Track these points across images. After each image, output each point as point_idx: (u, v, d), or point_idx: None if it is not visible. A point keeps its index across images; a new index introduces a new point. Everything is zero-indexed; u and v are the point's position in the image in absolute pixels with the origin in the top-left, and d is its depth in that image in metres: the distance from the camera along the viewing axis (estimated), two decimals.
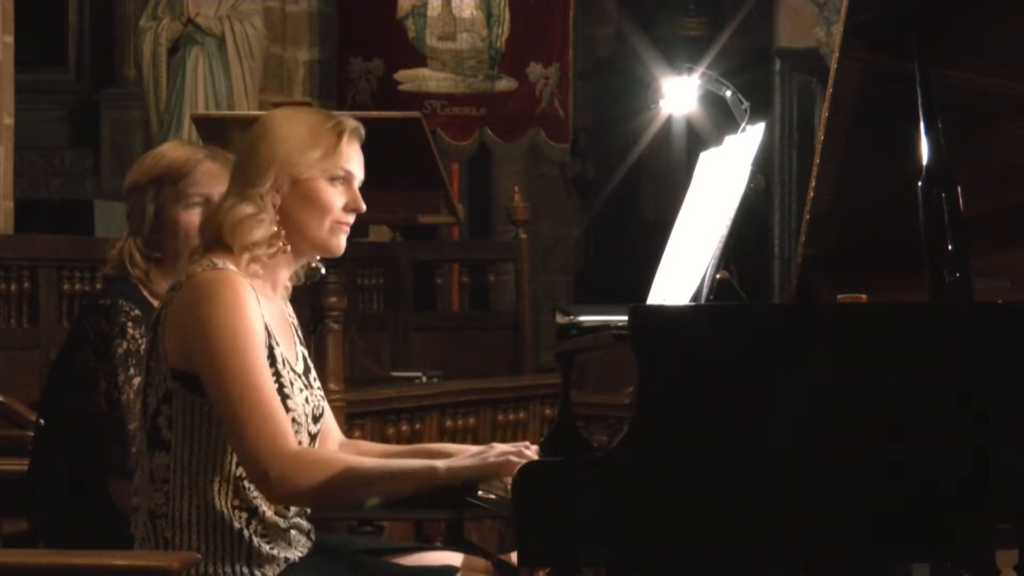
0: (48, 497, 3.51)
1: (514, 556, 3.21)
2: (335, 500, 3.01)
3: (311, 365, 3.13)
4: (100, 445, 3.38)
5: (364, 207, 3.07)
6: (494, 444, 3.14)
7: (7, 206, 7.74)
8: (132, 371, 3.37)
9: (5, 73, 7.70)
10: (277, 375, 2.97)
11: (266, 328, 2.97)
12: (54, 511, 3.51)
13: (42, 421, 3.59)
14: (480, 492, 3.28)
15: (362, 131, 3.09)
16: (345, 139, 3.04)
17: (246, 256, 2.98)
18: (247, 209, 2.98)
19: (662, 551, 2.90)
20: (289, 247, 3.03)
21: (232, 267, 2.97)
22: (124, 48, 10.71)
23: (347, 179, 3.05)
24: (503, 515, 3.28)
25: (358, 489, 2.96)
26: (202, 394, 2.94)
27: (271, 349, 2.97)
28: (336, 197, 3.04)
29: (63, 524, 3.48)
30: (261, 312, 2.96)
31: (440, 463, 3.02)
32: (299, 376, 3.05)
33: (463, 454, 3.12)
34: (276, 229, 3.00)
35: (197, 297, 2.93)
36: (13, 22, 7.72)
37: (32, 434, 3.80)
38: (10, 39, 7.70)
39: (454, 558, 3.24)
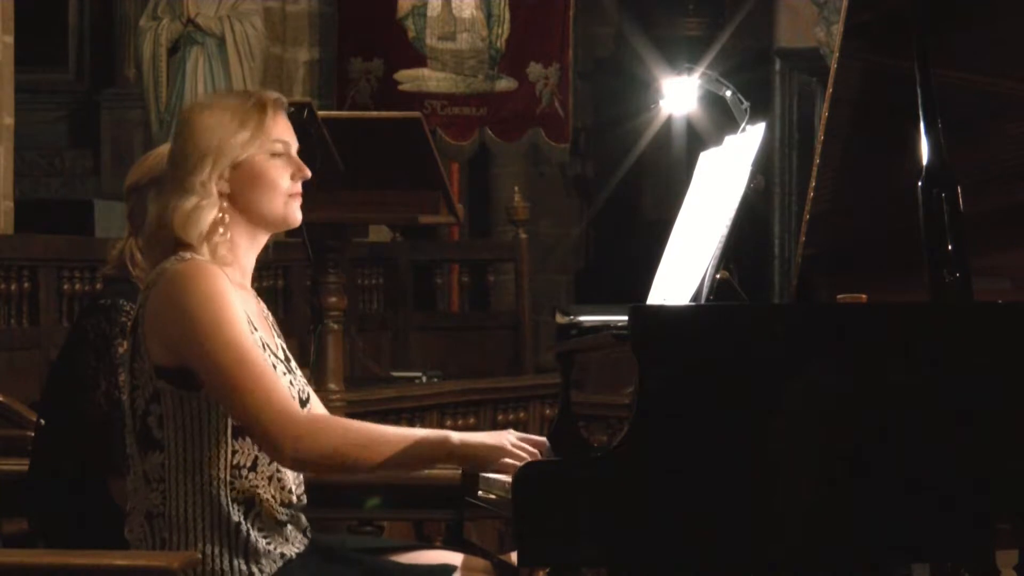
0: (48, 497, 3.51)
1: (514, 556, 3.21)
2: (349, 463, 2.99)
3: (291, 356, 3.14)
4: (101, 445, 3.38)
5: (309, 173, 3.10)
6: (511, 431, 3.14)
7: (7, 206, 7.74)
8: None
9: (5, 73, 7.71)
10: (261, 350, 2.98)
11: (245, 313, 2.98)
12: (54, 511, 3.50)
13: (42, 421, 3.59)
14: (480, 492, 3.28)
15: (284, 100, 3.12)
16: (269, 113, 3.07)
17: (206, 247, 3.00)
18: (190, 201, 3.00)
19: (662, 551, 2.90)
20: (230, 234, 3.04)
21: (200, 257, 2.98)
22: (124, 48, 10.71)
23: (286, 151, 3.08)
24: (503, 515, 3.28)
25: (371, 451, 2.97)
26: (190, 389, 2.94)
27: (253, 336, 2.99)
28: (281, 171, 3.07)
29: (63, 524, 3.48)
30: (238, 297, 2.98)
31: (454, 434, 3.04)
32: (281, 361, 3.06)
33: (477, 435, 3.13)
34: (220, 215, 3.01)
35: (174, 289, 2.94)
36: (13, 22, 7.72)
37: (32, 434, 3.80)
38: (10, 39, 7.70)
39: (454, 558, 3.24)
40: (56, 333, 6.93)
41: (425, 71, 9.88)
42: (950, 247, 3.09)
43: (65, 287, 7.31)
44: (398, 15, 9.87)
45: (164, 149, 3.59)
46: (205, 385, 2.93)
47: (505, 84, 9.93)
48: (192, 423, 2.96)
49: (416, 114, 5.71)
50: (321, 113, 4.82)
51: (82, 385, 3.41)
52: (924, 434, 2.96)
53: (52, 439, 3.52)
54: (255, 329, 3.01)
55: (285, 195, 3.07)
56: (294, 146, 3.10)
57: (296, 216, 3.10)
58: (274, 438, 2.91)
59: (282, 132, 3.08)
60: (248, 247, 3.08)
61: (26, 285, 7.18)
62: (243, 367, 2.90)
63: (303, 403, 3.09)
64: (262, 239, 3.11)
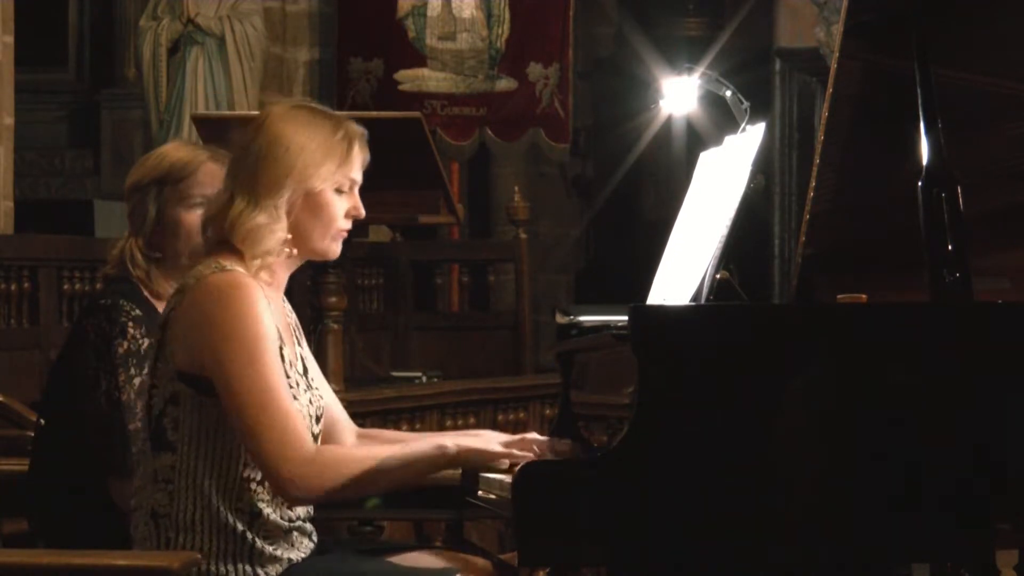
0: (48, 497, 3.51)
1: (514, 556, 3.21)
2: (354, 494, 3.06)
3: (309, 366, 3.14)
4: (100, 445, 3.38)
5: (363, 213, 3.10)
6: (491, 433, 3.17)
7: (7, 206, 7.74)
8: (133, 371, 3.37)
9: (5, 73, 7.70)
10: (285, 375, 2.98)
11: (276, 329, 2.98)
12: (54, 511, 3.50)
13: (42, 421, 3.58)
14: (480, 492, 3.28)
15: (366, 135, 3.12)
16: (356, 149, 3.07)
17: (257, 263, 2.99)
18: (261, 218, 2.98)
19: (662, 551, 2.90)
20: (295, 251, 3.05)
21: (240, 269, 2.97)
22: (124, 48, 10.71)
23: (351, 187, 3.08)
24: (503, 515, 3.28)
25: (376, 481, 3.00)
26: (210, 395, 2.94)
27: (280, 350, 2.98)
28: (340, 206, 3.07)
29: (63, 524, 3.47)
30: (270, 311, 2.97)
31: (449, 442, 3.05)
32: (302, 377, 3.06)
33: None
34: (286, 237, 3.02)
35: (209, 301, 2.93)
36: (13, 22, 7.72)
37: (32, 434, 3.80)
38: (10, 39, 7.70)
39: (454, 558, 3.24)
40: (56, 333, 6.92)
41: (425, 71, 9.87)
42: (950, 247, 3.08)
43: (65, 287, 7.30)
44: (398, 15, 9.87)
45: (166, 149, 3.59)
46: (222, 404, 2.93)
47: (505, 84, 9.93)
48: (207, 429, 2.96)
49: (416, 114, 5.71)
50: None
51: (82, 385, 3.41)
52: (924, 434, 2.96)
53: (52, 439, 3.52)
54: (283, 345, 3.01)
55: (336, 231, 3.07)
56: (359, 184, 3.10)
57: (336, 252, 3.10)
58: (280, 479, 2.91)
59: (357, 171, 3.08)
60: (286, 266, 3.08)
61: (26, 285, 7.18)
62: (263, 401, 2.90)
63: (317, 419, 3.09)
64: (299, 262, 3.11)
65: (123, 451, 3.34)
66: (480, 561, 3.29)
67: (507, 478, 3.01)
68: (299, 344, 3.13)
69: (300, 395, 3.02)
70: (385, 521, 4.89)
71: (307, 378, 3.09)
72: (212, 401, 2.94)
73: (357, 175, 3.09)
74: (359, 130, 3.10)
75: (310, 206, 3.03)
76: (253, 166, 3.01)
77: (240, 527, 2.96)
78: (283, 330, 3.05)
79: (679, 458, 2.89)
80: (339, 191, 3.05)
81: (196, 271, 2.99)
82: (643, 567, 2.92)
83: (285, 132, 3.02)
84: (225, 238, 2.99)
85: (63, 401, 3.49)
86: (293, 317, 3.16)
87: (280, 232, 3.00)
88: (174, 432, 2.96)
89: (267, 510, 2.98)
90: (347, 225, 3.09)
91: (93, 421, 3.39)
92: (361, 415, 6.16)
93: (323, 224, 3.05)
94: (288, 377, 2.98)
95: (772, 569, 2.97)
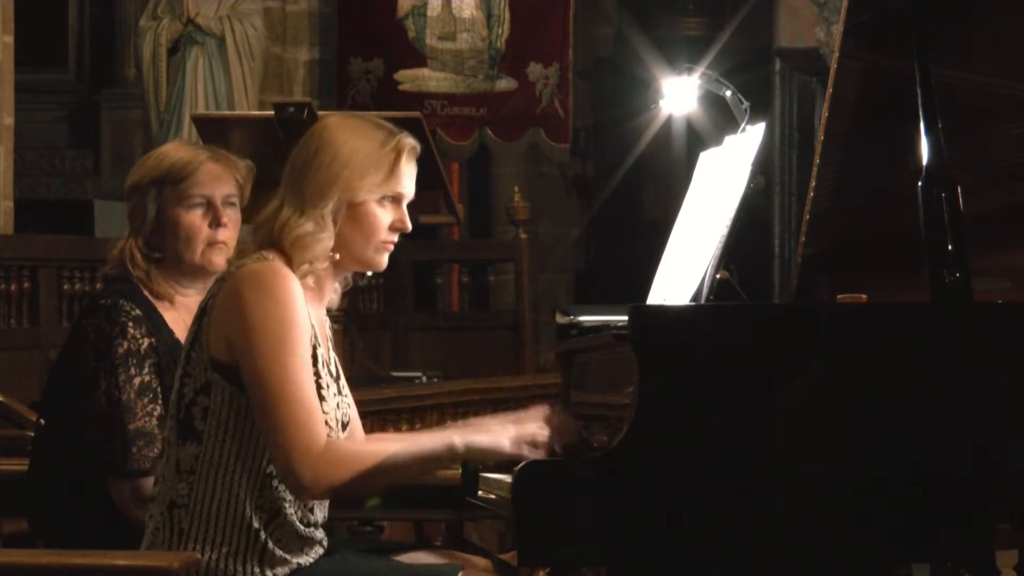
0: (48, 497, 3.51)
1: (514, 556, 3.21)
2: (363, 489, 3.08)
3: (341, 373, 3.14)
4: (100, 445, 3.38)
5: (410, 227, 3.10)
6: (517, 423, 3.10)
7: (7, 206, 7.74)
8: (132, 371, 3.37)
9: (5, 73, 7.70)
10: (317, 375, 2.99)
11: (312, 327, 2.99)
12: (54, 511, 3.50)
13: (42, 421, 3.58)
14: (480, 492, 3.28)
15: (418, 149, 3.11)
16: (403, 161, 3.07)
17: (304, 268, 3.00)
18: (308, 226, 2.99)
19: (662, 551, 2.90)
20: (337, 256, 3.06)
21: (281, 262, 2.98)
22: (124, 48, 10.71)
23: (397, 199, 3.08)
24: (503, 515, 3.28)
25: (384, 475, 2.99)
26: (242, 387, 2.94)
27: (314, 349, 2.99)
28: (384, 217, 3.06)
29: (63, 524, 3.47)
30: (308, 311, 2.98)
31: (457, 439, 3.02)
32: (334, 381, 3.07)
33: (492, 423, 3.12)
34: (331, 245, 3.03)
35: (245, 287, 2.94)
36: (13, 22, 7.72)
37: (32, 434, 3.80)
38: (10, 39, 7.70)
39: (454, 558, 3.24)
40: (56, 333, 6.92)
41: (425, 71, 9.87)
42: (950, 247, 3.08)
43: (65, 287, 7.30)
44: (398, 15, 9.87)
45: (166, 149, 3.59)
46: (246, 388, 2.93)
47: (505, 84, 9.93)
48: (235, 421, 2.96)
49: (416, 114, 5.71)
50: (321, 113, 4.82)
51: (82, 385, 3.41)
52: (924, 434, 2.96)
53: (52, 439, 3.52)
54: (319, 344, 3.01)
55: (379, 242, 3.07)
56: (408, 197, 3.10)
57: (382, 264, 3.10)
58: (292, 472, 2.91)
59: (405, 183, 3.08)
60: (330, 276, 3.09)
61: (26, 285, 7.18)
62: (283, 390, 2.90)
63: (344, 426, 3.09)
64: (343, 272, 3.12)
65: (123, 451, 3.34)
66: (480, 561, 3.29)
67: (507, 478, 3.01)
68: (332, 350, 3.14)
69: (329, 397, 3.02)
70: (385, 521, 4.88)
71: (338, 383, 3.10)
72: (243, 393, 2.94)
73: (404, 188, 3.08)
74: (410, 143, 3.08)
75: (354, 216, 3.03)
76: (301, 173, 3.03)
77: (256, 525, 2.96)
78: (320, 334, 3.06)
79: (679, 458, 2.89)
80: (382, 201, 3.05)
81: (239, 261, 3.01)
82: (643, 567, 2.92)
83: (334, 142, 3.03)
84: (274, 239, 3.00)
85: (63, 401, 3.49)
86: (327, 323, 3.17)
87: (327, 241, 3.01)
88: (202, 422, 2.97)
89: (288, 509, 2.99)
90: (392, 237, 3.09)
91: (93, 421, 3.39)
92: (361, 415, 6.14)
93: (364, 235, 3.05)
94: (320, 377, 2.99)
95: (772, 569, 2.97)
